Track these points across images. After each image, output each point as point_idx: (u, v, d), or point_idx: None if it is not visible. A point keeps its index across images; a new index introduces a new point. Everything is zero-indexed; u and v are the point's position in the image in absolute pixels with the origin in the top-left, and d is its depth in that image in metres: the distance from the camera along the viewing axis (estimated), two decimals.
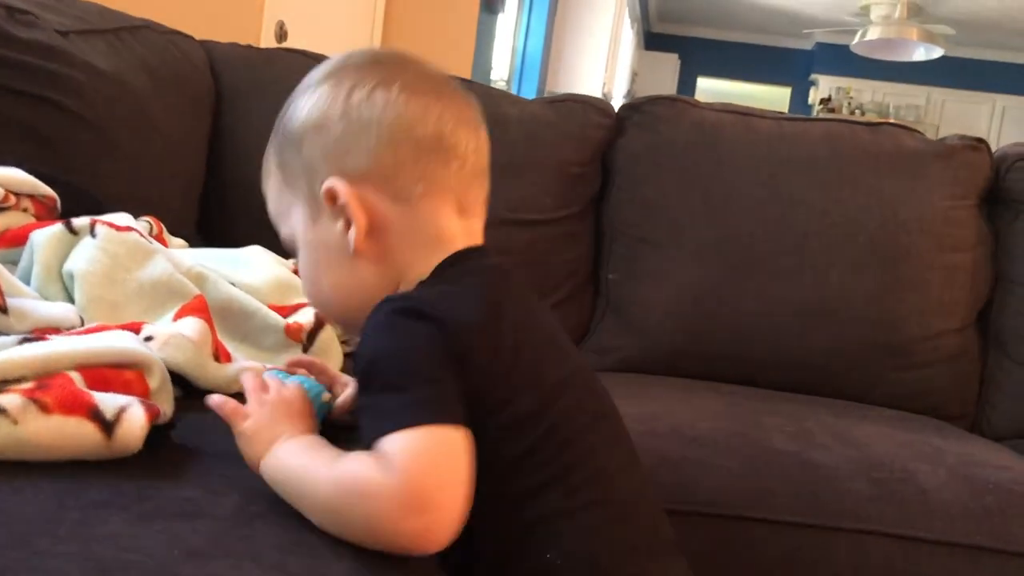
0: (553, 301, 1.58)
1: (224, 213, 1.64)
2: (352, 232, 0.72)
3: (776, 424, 1.19)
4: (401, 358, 0.64)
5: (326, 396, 0.76)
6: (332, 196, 0.72)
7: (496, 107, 1.70)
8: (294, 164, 0.75)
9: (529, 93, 5.29)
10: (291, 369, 0.80)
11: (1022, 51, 8.90)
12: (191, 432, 0.70)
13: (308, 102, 0.75)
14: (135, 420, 0.61)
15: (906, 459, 1.11)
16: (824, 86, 9.48)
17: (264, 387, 0.71)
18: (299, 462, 0.63)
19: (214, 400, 0.68)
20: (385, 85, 0.73)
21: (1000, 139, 8.73)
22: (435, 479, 0.59)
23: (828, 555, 1.02)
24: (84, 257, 0.85)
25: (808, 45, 9.47)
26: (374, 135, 0.72)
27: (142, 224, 1.06)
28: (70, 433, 0.58)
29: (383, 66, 0.75)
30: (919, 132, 1.68)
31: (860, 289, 1.54)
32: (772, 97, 9.63)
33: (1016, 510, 1.05)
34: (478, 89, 1.76)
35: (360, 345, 0.66)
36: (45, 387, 0.60)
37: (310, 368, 0.82)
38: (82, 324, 0.81)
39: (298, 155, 0.75)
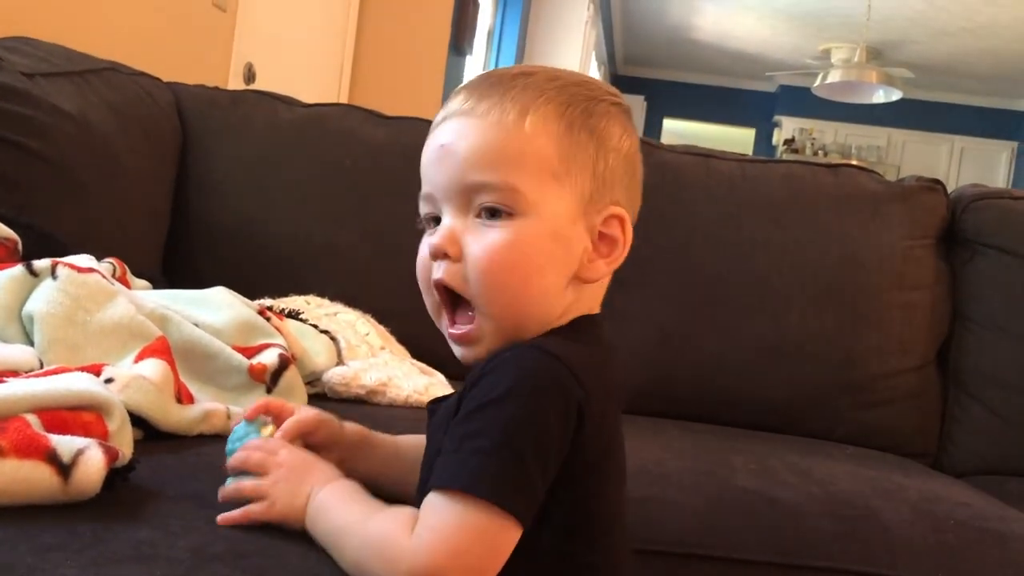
0: None
1: (190, 254, 1.63)
2: (599, 266, 0.69)
3: (741, 462, 1.19)
4: (527, 421, 0.59)
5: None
6: (611, 221, 0.69)
7: None
8: (587, 156, 0.68)
9: None
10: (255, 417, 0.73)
11: (977, 94, 9.13)
12: (151, 475, 0.69)
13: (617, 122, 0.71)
14: (93, 463, 0.61)
15: (869, 496, 1.12)
16: (787, 127, 9.64)
17: (268, 462, 0.67)
18: (336, 514, 0.64)
19: (235, 515, 0.65)
20: (626, 118, 0.72)
21: (959, 179, 8.92)
22: (458, 567, 0.58)
23: None
24: (44, 299, 0.84)
25: (771, 87, 9.65)
26: (633, 171, 0.72)
27: (105, 266, 1.06)
28: (25, 477, 0.58)
29: (614, 95, 0.72)
30: (877, 173, 1.71)
31: (821, 328, 1.56)
32: (737, 138, 9.77)
33: (977, 546, 1.05)
34: None
35: (493, 370, 0.61)
36: (0, 430, 0.60)
37: (268, 409, 0.76)
38: (41, 366, 0.80)
39: (600, 156, 0.68)
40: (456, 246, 0.66)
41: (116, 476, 0.63)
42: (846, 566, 1.02)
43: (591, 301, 0.71)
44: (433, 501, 0.59)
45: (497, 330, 0.67)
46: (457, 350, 0.70)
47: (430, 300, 0.70)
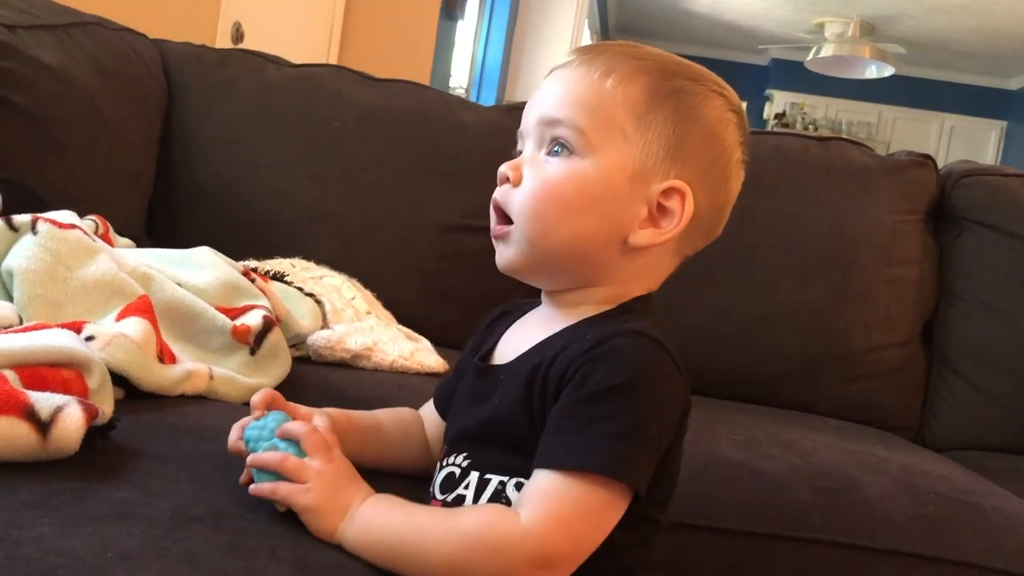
0: None
1: (175, 215, 1.62)
2: (648, 233, 0.70)
3: (724, 433, 1.20)
4: (653, 410, 0.64)
5: None
6: (672, 194, 0.70)
7: (452, 113, 1.70)
8: (664, 127, 0.70)
9: (488, 101, 5.29)
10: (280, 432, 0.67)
11: (969, 71, 9.11)
12: (132, 433, 0.69)
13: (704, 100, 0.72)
14: (72, 420, 0.60)
15: (851, 469, 1.12)
16: (779, 101, 9.61)
17: (325, 450, 0.65)
18: (403, 519, 0.62)
19: (263, 488, 0.62)
20: (727, 108, 0.73)
21: (948, 156, 8.92)
22: (573, 542, 0.60)
23: (773, 563, 1.03)
24: (24, 254, 0.83)
25: (764, 61, 9.60)
26: (716, 160, 0.72)
27: (87, 223, 1.04)
28: (2, 434, 0.57)
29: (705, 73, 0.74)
30: (868, 147, 1.70)
31: (807, 301, 1.56)
32: None
33: (957, 519, 1.06)
34: (433, 95, 1.76)
35: (605, 356, 0.64)
36: None
37: (274, 403, 0.72)
38: (21, 323, 0.79)
39: (678, 131, 0.70)
40: (517, 172, 0.72)
41: (96, 434, 0.63)
42: (828, 537, 1.02)
43: (653, 276, 0.74)
44: (551, 483, 0.61)
45: (530, 251, 0.71)
46: (498, 255, 0.74)
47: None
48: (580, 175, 0.69)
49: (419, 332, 1.41)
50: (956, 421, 1.58)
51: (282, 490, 0.62)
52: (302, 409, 0.74)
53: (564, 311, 0.73)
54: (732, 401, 1.53)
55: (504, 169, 0.72)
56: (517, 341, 0.75)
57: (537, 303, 0.78)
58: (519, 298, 0.82)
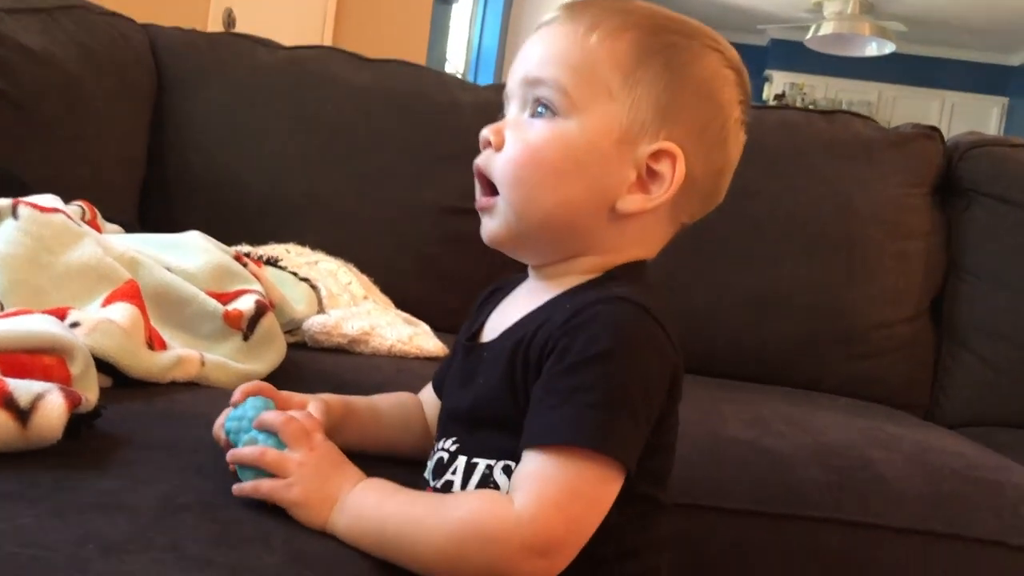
0: None
1: (166, 202, 1.59)
2: (637, 199, 0.66)
3: (732, 412, 1.17)
4: (636, 378, 0.60)
5: None
6: (662, 157, 0.66)
7: (449, 93, 1.67)
8: (654, 86, 0.66)
9: None
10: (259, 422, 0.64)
11: (970, 48, 9.05)
12: (119, 421, 0.66)
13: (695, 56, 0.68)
14: (53, 408, 0.57)
15: (862, 446, 1.10)
16: (778, 82, 9.55)
17: (304, 439, 0.61)
18: (393, 508, 0.59)
19: (245, 488, 0.59)
20: (724, 65, 0.70)
21: (949, 134, 8.84)
22: (569, 525, 0.57)
23: (783, 543, 1.01)
24: (5, 239, 0.80)
25: (763, 41, 9.55)
26: (711, 121, 0.68)
27: (73, 208, 1.02)
28: None
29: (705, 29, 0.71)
30: (873, 120, 1.67)
31: (814, 277, 1.53)
32: None
33: (971, 496, 1.04)
34: (429, 75, 1.73)
35: (586, 323, 0.60)
36: None
37: (260, 393, 0.69)
38: (2, 309, 0.76)
39: (669, 90, 0.66)
40: (499, 136, 0.68)
41: (80, 423, 0.60)
42: (838, 516, 1.00)
43: (646, 244, 0.70)
44: (539, 464, 0.58)
45: (515, 222, 0.67)
46: (483, 228, 0.70)
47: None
48: (563, 137, 0.65)
49: (418, 316, 1.38)
50: (966, 397, 1.56)
51: (263, 488, 0.59)
52: (296, 397, 0.71)
53: (550, 283, 0.70)
54: (737, 380, 1.50)
55: (486, 132, 0.68)
56: (503, 317, 0.71)
57: (527, 277, 0.75)
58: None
